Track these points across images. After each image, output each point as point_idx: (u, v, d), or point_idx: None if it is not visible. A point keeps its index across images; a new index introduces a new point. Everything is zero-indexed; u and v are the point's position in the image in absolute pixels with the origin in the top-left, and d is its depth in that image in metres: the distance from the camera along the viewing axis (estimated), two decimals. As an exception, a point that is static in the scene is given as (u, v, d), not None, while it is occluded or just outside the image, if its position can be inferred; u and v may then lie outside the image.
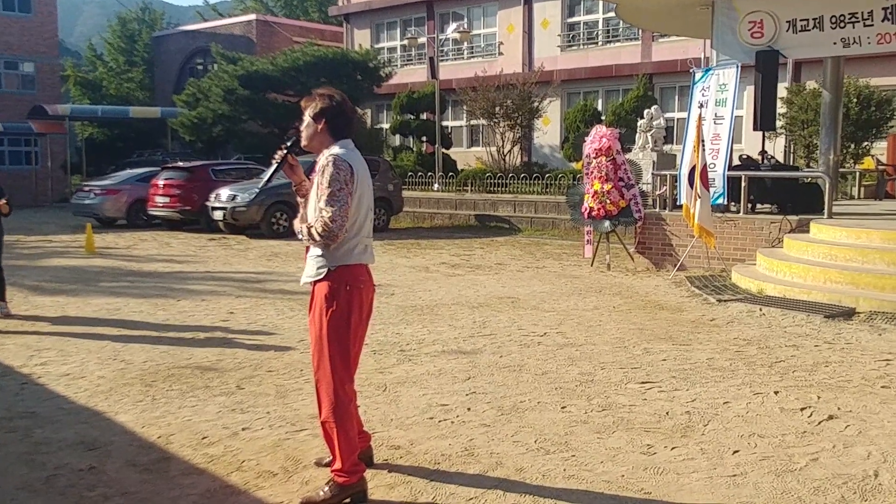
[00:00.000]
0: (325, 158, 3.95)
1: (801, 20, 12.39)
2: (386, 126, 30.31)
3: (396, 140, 29.93)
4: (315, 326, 4.03)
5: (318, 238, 3.89)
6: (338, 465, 4.00)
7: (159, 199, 19.98)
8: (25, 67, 35.68)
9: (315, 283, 4.04)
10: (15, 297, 9.91)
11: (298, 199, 4.25)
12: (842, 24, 11.99)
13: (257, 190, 17.98)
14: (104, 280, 11.84)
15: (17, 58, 35.27)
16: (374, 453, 4.51)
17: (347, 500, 3.98)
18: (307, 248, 4.12)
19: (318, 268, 4.01)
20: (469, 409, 5.49)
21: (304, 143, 4.10)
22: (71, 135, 36.35)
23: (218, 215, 18.58)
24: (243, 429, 5.10)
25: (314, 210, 3.97)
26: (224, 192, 18.60)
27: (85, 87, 45.77)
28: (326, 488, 4.00)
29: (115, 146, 37.93)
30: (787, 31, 12.52)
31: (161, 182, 20.07)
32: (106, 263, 13.83)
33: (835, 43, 12.19)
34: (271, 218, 18.24)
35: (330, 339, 3.98)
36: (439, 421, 5.20)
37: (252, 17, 39.10)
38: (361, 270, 4.07)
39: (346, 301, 3.99)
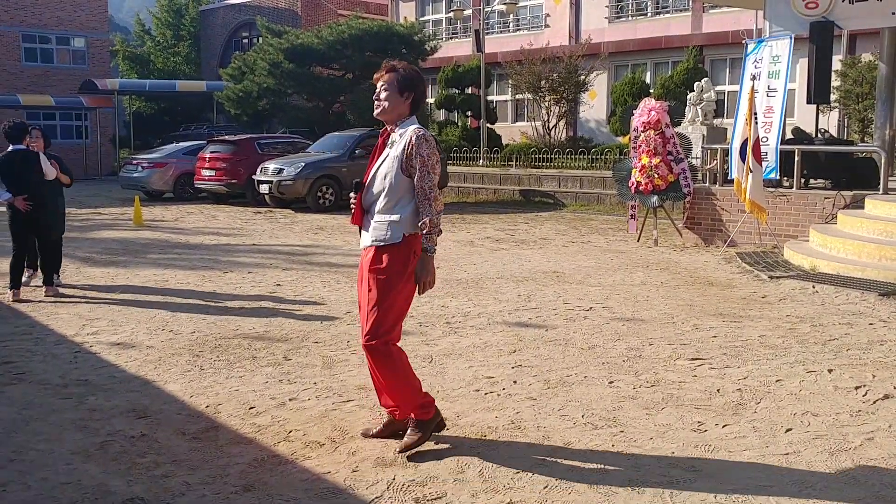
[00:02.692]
0: (413, 133, 4.10)
1: (858, -11, 12.03)
2: (431, 100, 30.16)
3: (441, 115, 29.83)
4: (377, 288, 4.10)
5: (436, 213, 4.09)
6: (413, 403, 4.25)
7: (206, 173, 20.16)
8: (76, 43, 36.20)
9: (381, 247, 4.11)
10: (67, 269, 10.10)
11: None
12: (901, -6, 11.62)
13: (303, 163, 18.12)
14: (152, 252, 12.02)
15: (68, 33, 35.78)
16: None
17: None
18: (360, 211, 4.19)
19: (392, 233, 4.10)
20: (515, 382, 5.47)
21: (379, 111, 4.20)
22: (119, 109, 36.83)
23: (264, 189, 18.73)
24: (290, 399, 5.14)
25: (383, 179, 4.11)
26: (270, 166, 18.72)
27: (133, 61, 46.29)
28: (412, 430, 4.25)
29: (162, 120, 38.37)
30: (843, 1, 12.15)
31: (207, 155, 20.25)
32: (154, 236, 14.04)
33: (893, 13, 11.80)
34: (317, 192, 18.33)
35: (394, 301, 4.10)
36: (485, 393, 5.19)
37: (297, -10, 39.10)
38: (420, 241, 4.17)
39: (413, 268, 4.16)
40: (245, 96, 28.56)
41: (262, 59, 27.65)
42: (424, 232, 4.09)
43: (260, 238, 13.69)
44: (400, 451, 4.19)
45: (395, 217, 4.09)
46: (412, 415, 4.25)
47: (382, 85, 4.19)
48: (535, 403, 5.02)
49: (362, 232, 4.25)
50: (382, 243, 4.11)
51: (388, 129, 4.23)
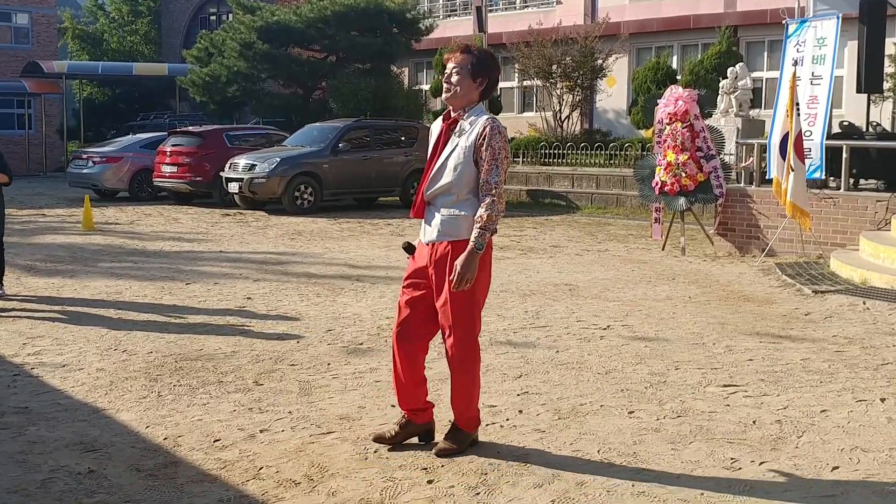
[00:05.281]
0: (486, 123, 4.39)
1: (916, -38, 12.10)
2: (426, 87, 30.22)
3: (438, 103, 29.86)
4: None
5: (497, 212, 4.38)
6: (469, 413, 4.70)
7: (166, 169, 20.20)
8: (19, 19, 36.28)
9: (454, 242, 4.44)
10: (6, 278, 10.08)
11: None
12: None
13: (278, 159, 18.13)
14: (104, 260, 12.01)
15: (10, 8, 35.86)
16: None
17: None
18: (422, 204, 4.61)
19: (464, 228, 4.43)
20: (521, 411, 5.47)
21: (449, 95, 4.47)
22: (68, 95, 36.83)
23: (233, 187, 18.75)
24: (261, 430, 5.13)
25: (453, 171, 4.43)
26: (241, 162, 18.74)
27: (84, 41, 46.29)
28: (452, 437, 4.69)
29: (117, 108, 38.39)
30: (900, -25, 12.23)
31: (168, 149, 20.29)
32: (106, 241, 14.04)
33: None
34: (294, 191, 18.34)
35: (472, 295, 4.48)
36: (487, 425, 5.17)
37: (273, -40, 39.21)
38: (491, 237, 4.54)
39: (491, 262, 4.60)
40: (212, 81, 28.60)
41: (231, 38, 27.69)
42: (478, 225, 4.35)
43: (228, 244, 13.70)
44: (436, 454, 4.61)
45: (465, 212, 4.43)
46: (459, 425, 4.68)
47: (454, 67, 4.41)
48: (543, 436, 5.01)
49: (424, 226, 4.62)
50: (454, 239, 4.44)
51: (455, 115, 4.48)
